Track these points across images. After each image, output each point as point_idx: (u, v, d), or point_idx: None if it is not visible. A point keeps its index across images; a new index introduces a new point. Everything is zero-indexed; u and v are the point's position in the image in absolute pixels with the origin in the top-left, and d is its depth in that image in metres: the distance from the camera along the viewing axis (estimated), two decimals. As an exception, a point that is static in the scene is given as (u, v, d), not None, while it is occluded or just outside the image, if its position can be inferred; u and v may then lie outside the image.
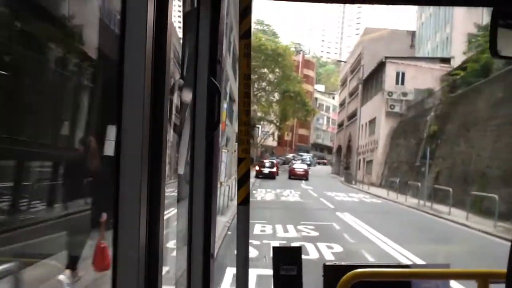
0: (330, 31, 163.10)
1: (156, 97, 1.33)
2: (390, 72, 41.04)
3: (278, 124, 64.41)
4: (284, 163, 62.38)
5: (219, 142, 1.67)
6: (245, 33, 1.45)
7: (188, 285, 1.54)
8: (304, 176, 44.50)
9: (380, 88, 42.24)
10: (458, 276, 2.26)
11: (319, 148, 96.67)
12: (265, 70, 54.19)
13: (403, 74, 40.96)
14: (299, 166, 48.34)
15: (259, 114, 57.75)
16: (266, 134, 62.24)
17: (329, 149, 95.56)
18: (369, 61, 47.03)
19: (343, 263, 2.01)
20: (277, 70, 55.89)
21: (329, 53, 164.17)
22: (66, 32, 1.57)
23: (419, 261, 9.16)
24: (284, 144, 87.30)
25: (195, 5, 1.52)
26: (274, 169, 43.39)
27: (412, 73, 40.24)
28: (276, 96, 59.29)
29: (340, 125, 66.43)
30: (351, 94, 58.72)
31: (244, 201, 1.46)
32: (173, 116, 1.72)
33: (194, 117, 1.51)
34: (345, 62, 59.18)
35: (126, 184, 1.27)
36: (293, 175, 44.69)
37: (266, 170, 42.65)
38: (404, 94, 40.45)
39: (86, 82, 1.76)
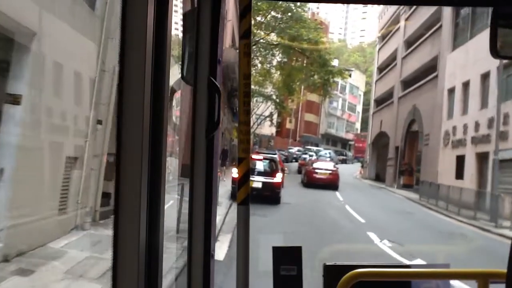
0: (334, 14, 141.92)
1: (156, 97, 1.34)
2: None
3: (278, 101, 41.20)
4: (286, 160, 41.20)
5: (219, 142, 1.63)
6: (245, 33, 1.44)
7: (188, 285, 1.55)
8: (333, 183, 25.88)
9: None
10: (458, 276, 2.19)
11: (331, 140, 71.41)
12: (259, 17, 31.67)
13: None
14: (323, 166, 27.50)
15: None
16: (259, 117, 39.89)
17: (343, 142, 74.71)
18: None
19: (343, 263, 1.96)
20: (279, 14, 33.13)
21: (332, 37, 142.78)
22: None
23: None
24: (286, 133, 62.82)
25: (195, 5, 1.54)
26: (277, 178, 18.66)
27: None
28: (278, 57, 36.45)
29: (382, 101, 39.21)
30: (412, 41, 31.49)
31: (244, 201, 1.46)
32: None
33: (194, 117, 1.53)
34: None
35: (126, 184, 1.28)
36: (312, 181, 25.62)
37: (257, 182, 13.89)
38: None
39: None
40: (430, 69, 28.27)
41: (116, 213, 1.26)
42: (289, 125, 62.39)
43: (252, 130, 35.38)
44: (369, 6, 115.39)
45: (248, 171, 1.47)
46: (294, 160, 44.04)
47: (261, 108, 39.23)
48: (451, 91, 24.76)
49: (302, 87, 45.80)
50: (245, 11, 1.42)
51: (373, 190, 29.95)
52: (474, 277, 1.89)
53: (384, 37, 41.34)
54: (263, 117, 40.48)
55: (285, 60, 36.13)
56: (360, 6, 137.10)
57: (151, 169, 1.31)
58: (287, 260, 1.86)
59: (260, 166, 18.40)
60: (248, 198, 1.46)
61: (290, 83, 36.72)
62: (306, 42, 32.67)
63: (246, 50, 1.43)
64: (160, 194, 1.37)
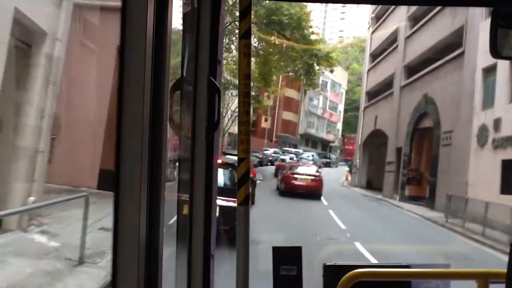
0: (312, 14, 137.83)
1: (156, 97, 1.35)
2: None
3: (253, 93, 33.65)
4: (260, 164, 35.56)
5: (219, 142, 1.63)
6: (245, 33, 1.45)
7: (188, 285, 1.52)
8: (315, 191, 21.12)
9: None
10: (458, 276, 2.09)
11: (311, 141, 65.04)
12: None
13: None
14: (303, 171, 22.39)
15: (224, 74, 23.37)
16: (233, 114, 31.98)
17: (324, 144, 68.27)
18: None
19: (343, 263, 1.94)
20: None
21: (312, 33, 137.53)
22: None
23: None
24: (261, 133, 56.01)
25: (195, 5, 1.52)
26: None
27: None
28: (254, 41, 29.16)
29: (378, 93, 32.24)
30: (420, 16, 24.57)
31: (244, 201, 1.45)
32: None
33: (194, 117, 1.52)
34: None
35: (126, 183, 1.29)
36: (291, 189, 20.87)
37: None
38: None
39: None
40: (451, 45, 21.14)
41: (116, 213, 1.26)
42: (264, 124, 55.87)
43: (226, 128, 29.57)
44: (348, 6, 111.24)
45: (248, 171, 1.46)
46: (269, 164, 38.29)
47: (235, 103, 32.32)
48: (489, 70, 17.62)
49: (280, 78, 38.63)
50: (245, 11, 1.43)
51: (373, 205, 22.86)
52: (474, 277, 1.89)
53: (380, 17, 34.19)
54: (236, 114, 33.67)
55: (261, 44, 29.46)
56: (339, 6, 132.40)
57: (151, 169, 1.31)
58: (287, 260, 1.87)
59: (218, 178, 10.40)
60: (248, 197, 1.45)
61: (267, 72, 30.07)
62: (287, 18, 25.81)
63: (246, 50, 1.43)
64: (160, 193, 1.37)
